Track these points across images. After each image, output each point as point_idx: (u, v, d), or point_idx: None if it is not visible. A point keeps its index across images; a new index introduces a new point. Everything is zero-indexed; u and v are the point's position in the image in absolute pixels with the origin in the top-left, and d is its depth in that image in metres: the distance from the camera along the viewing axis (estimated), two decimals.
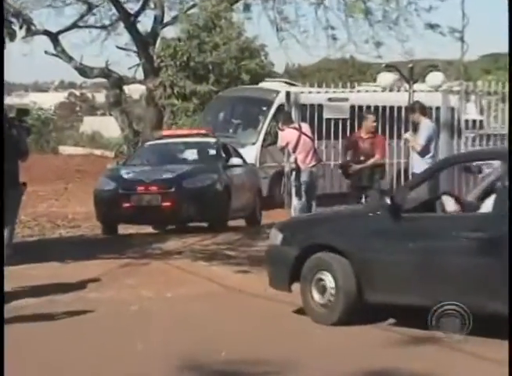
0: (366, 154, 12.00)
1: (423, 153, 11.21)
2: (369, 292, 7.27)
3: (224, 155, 14.03)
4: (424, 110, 11.75)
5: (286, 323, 7.75)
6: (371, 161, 12.00)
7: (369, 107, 15.05)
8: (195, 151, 14.25)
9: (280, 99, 17.20)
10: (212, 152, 14.12)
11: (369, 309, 7.46)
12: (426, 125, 11.46)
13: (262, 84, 20.64)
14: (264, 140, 17.48)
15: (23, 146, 11.02)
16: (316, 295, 7.47)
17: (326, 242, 7.64)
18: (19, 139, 10.76)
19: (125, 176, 13.18)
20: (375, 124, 12.46)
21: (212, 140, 14.52)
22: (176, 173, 12.93)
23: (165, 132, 16.98)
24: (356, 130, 14.52)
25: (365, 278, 7.25)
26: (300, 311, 7.86)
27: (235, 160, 13.84)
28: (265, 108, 17.62)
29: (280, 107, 16.99)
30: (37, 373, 6.21)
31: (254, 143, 17.42)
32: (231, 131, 18.31)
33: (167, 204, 12.55)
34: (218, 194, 12.87)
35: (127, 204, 12.59)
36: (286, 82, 19.85)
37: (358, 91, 16.97)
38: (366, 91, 16.87)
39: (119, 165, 14.54)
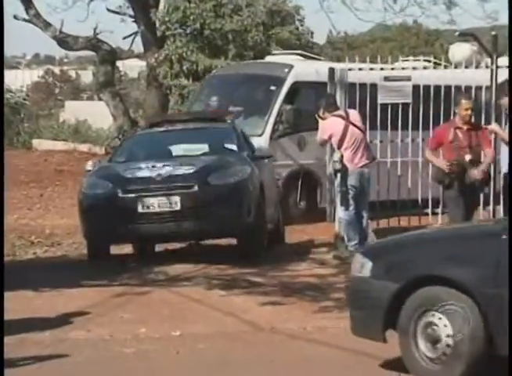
0: (475, 152, 11.84)
1: None
2: (502, 342, 6.69)
3: (246, 142, 13.73)
4: None
5: None
6: (488, 160, 12.05)
7: (438, 87, 15.00)
8: (206, 140, 13.77)
9: (294, 75, 17.04)
10: (230, 140, 13.48)
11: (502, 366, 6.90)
12: None
13: (270, 58, 20.26)
14: (273, 130, 16.89)
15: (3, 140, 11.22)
16: (424, 346, 7.03)
17: (439, 273, 7.15)
18: None
19: (124, 173, 12.35)
20: (469, 111, 12.07)
21: (227, 125, 14.06)
22: (197, 166, 12.21)
23: (159, 117, 16.93)
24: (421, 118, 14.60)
25: (498, 322, 6.74)
26: (386, 364, 7.67)
27: (263, 151, 13.75)
28: (274, 88, 17.24)
29: (294, 86, 16.98)
30: None
31: (260, 135, 16.67)
32: (230, 119, 17.52)
33: (190, 209, 11.84)
34: (256, 194, 12.34)
35: (130, 212, 11.80)
36: (301, 55, 19.40)
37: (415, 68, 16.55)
38: (413, 68, 16.38)
39: (103, 163, 13.82)
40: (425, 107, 15.23)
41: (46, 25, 26.81)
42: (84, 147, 30.80)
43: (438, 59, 15.06)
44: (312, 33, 29.51)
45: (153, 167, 12.30)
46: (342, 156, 12.59)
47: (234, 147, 13.19)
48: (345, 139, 12.68)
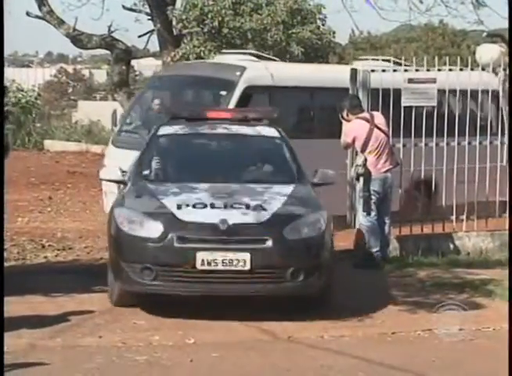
0: None
1: None
2: None
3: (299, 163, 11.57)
4: None
5: None
6: None
7: (464, 92, 14.98)
8: (258, 155, 11.81)
9: (247, 79, 15.60)
10: (286, 159, 11.52)
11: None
12: None
13: (220, 58, 18.85)
14: None
15: (5, 139, 11.19)
16: None
17: None
18: None
19: (179, 214, 9.86)
20: None
21: (275, 132, 11.88)
22: (267, 211, 9.97)
23: (186, 110, 12.76)
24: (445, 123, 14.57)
25: None
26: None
27: (326, 176, 11.39)
28: (224, 93, 15.81)
29: (247, 91, 15.50)
30: None
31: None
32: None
33: (260, 268, 9.64)
34: (331, 243, 10.38)
35: (187, 267, 9.57)
36: (254, 55, 17.89)
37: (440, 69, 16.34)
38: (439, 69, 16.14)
39: (135, 183, 10.91)
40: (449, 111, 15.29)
41: (60, 22, 26.86)
42: (97, 149, 30.84)
43: (464, 61, 14.97)
44: (334, 32, 29.46)
45: (213, 206, 9.98)
46: (366, 160, 12.58)
47: (293, 171, 11.26)
48: (369, 143, 12.67)
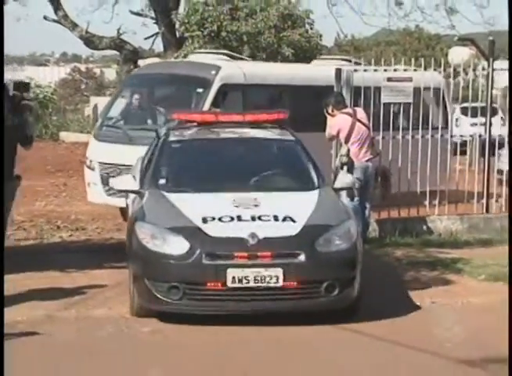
0: None
1: None
2: None
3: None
4: None
5: None
6: None
7: (437, 89, 14.99)
8: (276, 160, 10.66)
9: (222, 77, 15.21)
10: (302, 162, 10.32)
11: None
12: None
13: (195, 58, 18.53)
14: None
15: (28, 130, 11.10)
16: None
17: None
18: (22, 121, 10.90)
19: (205, 229, 8.56)
20: None
21: (288, 136, 10.76)
22: (299, 222, 8.69)
23: (190, 116, 11.35)
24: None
25: None
26: None
27: (345, 181, 10.29)
28: (201, 90, 15.23)
29: (222, 89, 15.10)
30: None
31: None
32: (155, 122, 15.44)
33: (293, 283, 8.35)
34: (359, 261, 8.87)
35: (217, 285, 8.29)
36: (227, 55, 17.56)
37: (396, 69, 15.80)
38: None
39: (151, 192, 9.56)
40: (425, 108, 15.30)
41: (74, 25, 26.87)
42: None
43: (438, 63, 14.98)
44: (321, 36, 29.43)
45: (239, 219, 8.69)
46: (349, 150, 12.55)
47: (314, 175, 10.03)
48: (352, 135, 12.61)
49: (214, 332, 8.23)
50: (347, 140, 12.62)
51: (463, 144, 16.51)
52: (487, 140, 14.85)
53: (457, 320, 8.91)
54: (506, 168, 14.91)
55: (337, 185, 9.97)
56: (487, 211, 14.66)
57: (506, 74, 15.72)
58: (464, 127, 20.56)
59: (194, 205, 9.00)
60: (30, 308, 9.04)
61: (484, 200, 14.68)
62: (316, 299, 8.43)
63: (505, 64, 15.79)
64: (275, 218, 8.69)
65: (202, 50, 21.31)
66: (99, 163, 14.73)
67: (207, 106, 14.76)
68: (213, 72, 15.22)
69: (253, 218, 8.65)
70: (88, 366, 7.25)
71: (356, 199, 12.67)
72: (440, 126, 15.08)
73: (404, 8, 26.47)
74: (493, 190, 14.84)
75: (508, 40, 7.58)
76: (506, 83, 15.48)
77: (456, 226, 14.23)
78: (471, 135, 16.10)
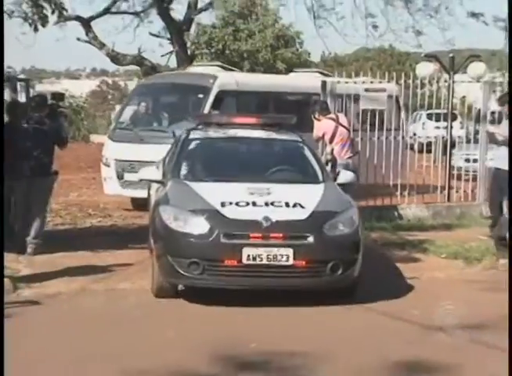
0: None
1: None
2: None
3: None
4: None
5: None
6: None
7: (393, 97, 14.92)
8: (285, 157, 10.16)
9: (219, 85, 15.12)
10: (308, 160, 9.90)
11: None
12: None
13: (193, 69, 18.36)
14: None
15: (63, 133, 11.13)
16: None
17: None
18: (58, 126, 10.98)
19: (224, 212, 8.20)
20: None
21: (295, 137, 10.31)
22: (308, 208, 8.35)
23: (210, 117, 11.31)
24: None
25: None
26: None
27: (347, 177, 9.85)
28: (201, 96, 15.09)
29: (219, 95, 15.00)
30: (69, 360, 6.33)
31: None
32: (161, 124, 15.64)
33: (302, 263, 8.01)
34: (361, 244, 8.55)
35: (233, 262, 7.92)
36: (221, 66, 17.58)
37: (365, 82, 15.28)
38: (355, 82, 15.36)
39: (174, 181, 9.21)
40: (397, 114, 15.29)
41: (102, 45, 26.79)
42: None
43: (407, 76, 14.98)
44: (309, 53, 29.67)
45: (254, 204, 8.35)
46: (332, 149, 12.53)
47: (319, 171, 9.69)
48: (335, 137, 12.59)
49: (229, 305, 8.08)
50: (331, 141, 12.61)
51: (429, 144, 16.53)
52: (448, 141, 14.90)
53: (423, 291, 8.93)
54: (458, 164, 15.04)
55: (340, 180, 9.62)
56: (448, 200, 14.72)
57: (464, 85, 15.81)
58: (429, 130, 20.58)
59: (213, 192, 8.63)
60: (67, 282, 9.06)
61: (446, 191, 14.75)
62: (322, 277, 8.06)
63: (463, 77, 15.86)
64: (287, 204, 8.36)
65: (199, 63, 21.20)
66: (115, 160, 14.73)
67: (207, 109, 14.66)
68: (211, 81, 15.15)
69: (266, 204, 8.33)
70: (113, 330, 7.28)
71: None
72: (402, 128, 15.14)
73: (379, 30, 26.63)
74: (454, 183, 14.93)
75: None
76: (465, 93, 15.50)
77: (423, 213, 14.26)
78: (435, 137, 16.15)
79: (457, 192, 14.95)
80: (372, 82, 15.01)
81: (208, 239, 7.96)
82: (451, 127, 14.91)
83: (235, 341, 6.83)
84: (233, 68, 19.03)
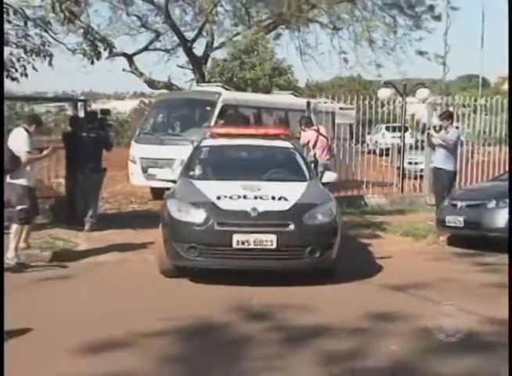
0: None
1: (450, 150, 11.36)
2: None
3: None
4: (452, 118, 11.97)
5: None
6: None
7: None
8: (277, 160, 9.40)
9: (223, 99, 14.76)
10: (297, 162, 9.13)
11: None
12: (454, 129, 11.62)
13: (202, 88, 17.69)
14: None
15: (110, 140, 11.27)
16: None
17: None
18: (106, 134, 11.04)
19: (219, 204, 7.57)
20: None
21: (289, 144, 9.56)
22: (289, 201, 7.67)
23: (219, 129, 10.37)
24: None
25: None
26: None
27: (330, 177, 9.22)
28: (209, 108, 14.65)
29: (223, 107, 14.55)
30: (113, 308, 6.27)
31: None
32: (178, 129, 15.14)
33: (285, 247, 7.32)
34: (338, 233, 7.77)
35: (225, 246, 7.28)
36: (222, 87, 17.10)
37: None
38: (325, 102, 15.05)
39: (183, 181, 8.57)
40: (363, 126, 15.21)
41: (141, 74, 26.78)
42: None
43: (371, 99, 14.91)
44: (297, 80, 29.35)
45: (245, 197, 7.70)
46: (315, 153, 12.45)
47: (306, 172, 8.93)
48: (317, 143, 12.50)
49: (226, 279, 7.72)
50: (313, 146, 12.58)
51: (387, 150, 16.50)
52: (402, 147, 14.84)
53: (383, 260, 8.88)
54: (406, 165, 14.99)
55: (324, 180, 8.95)
56: (402, 191, 14.66)
57: (413, 105, 15.75)
58: (387, 139, 20.49)
59: (212, 188, 7.99)
60: (112, 255, 9.00)
61: (399, 185, 14.70)
62: (302, 260, 7.38)
63: (413, 99, 15.82)
64: (273, 197, 7.69)
65: (204, 84, 21.07)
66: (140, 158, 14.64)
67: (214, 119, 14.27)
68: (216, 96, 14.95)
69: (255, 197, 7.66)
70: (147, 287, 7.24)
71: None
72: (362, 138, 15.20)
73: (349, 63, 26.87)
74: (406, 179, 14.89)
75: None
76: (414, 111, 15.43)
77: (382, 201, 14.23)
78: (392, 144, 16.06)
79: (408, 185, 14.90)
80: (325, 103, 14.87)
81: (204, 226, 7.34)
82: (403, 136, 14.86)
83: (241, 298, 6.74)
84: (229, 88, 18.61)
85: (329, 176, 9.18)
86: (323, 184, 8.76)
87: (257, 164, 9.34)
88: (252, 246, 7.21)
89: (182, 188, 8.32)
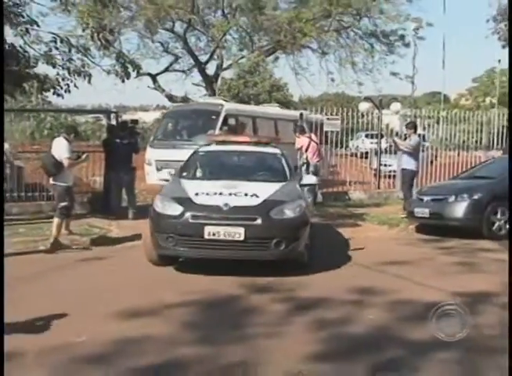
0: None
1: (412, 154, 11.36)
2: None
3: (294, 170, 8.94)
4: (416, 128, 11.88)
5: None
6: None
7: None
8: (264, 164, 8.67)
9: (225, 110, 14.32)
10: (283, 168, 8.39)
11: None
12: (416, 138, 11.53)
13: (204, 99, 17.34)
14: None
15: (137, 145, 11.32)
16: None
17: None
18: (134, 140, 11.09)
19: (195, 199, 7.06)
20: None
21: (276, 150, 8.82)
22: (259, 198, 7.07)
23: (218, 137, 10.12)
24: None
25: None
26: None
27: (309, 179, 8.62)
28: (214, 117, 14.22)
29: (225, 116, 14.05)
30: (134, 280, 6.24)
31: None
32: (187, 136, 14.51)
33: (252, 239, 6.72)
34: (306, 228, 7.14)
35: (197, 237, 6.71)
36: (222, 99, 16.61)
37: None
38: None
39: (174, 180, 8.13)
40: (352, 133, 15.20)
41: (162, 90, 26.84)
42: None
43: (353, 111, 14.92)
44: (292, 95, 29.42)
45: (221, 194, 7.11)
46: (307, 156, 12.39)
47: (287, 174, 8.22)
48: (309, 148, 12.41)
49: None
50: (306, 150, 12.51)
51: (366, 153, 16.49)
52: (378, 151, 14.83)
53: (363, 244, 8.89)
54: (374, 166, 14.96)
55: (303, 181, 8.29)
56: (378, 188, 14.64)
57: (388, 116, 15.73)
58: (366, 144, 20.45)
59: (195, 186, 7.45)
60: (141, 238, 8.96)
61: (376, 183, 14.68)
62: (268, 251, 6.72)
63: (387, 112, 15.83)
64: (246, 194, 7.10)
65: (207, 96, 20.84)
66: (155, 160, 14.33)
67: (218, 126, 13.80)
68: (220, 107, 14.59)
69: (230, 194, 7.06)
70: (167, 267, 7.19)
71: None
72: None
73: (335, 82, 26.97)
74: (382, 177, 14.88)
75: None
76: (388, 121, 15.42)
77: (362, 196, 14.20)
78: (370, 149, 16.05)
79: (383, 183, 14.88)
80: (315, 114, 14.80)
81: (180, 219, 6.77)
82: (380, 142, 14.83)
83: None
84: (228, 100, 18.43)
85: (309, 179, 8.60)
86: (305, 185, 8.22)
87: (244, 167, 8.65)
88: (222, 237, 6.65)
89: (170, 186, 7.88)
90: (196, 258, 6.89)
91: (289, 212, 6.95)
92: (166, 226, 6.87)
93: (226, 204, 6.85)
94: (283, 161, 8.51)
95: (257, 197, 7.05)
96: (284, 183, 7.78)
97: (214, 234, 6.66)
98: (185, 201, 6.96)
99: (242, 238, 6.64)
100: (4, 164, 8.84)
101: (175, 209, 6.88)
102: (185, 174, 8.21)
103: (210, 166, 8.59)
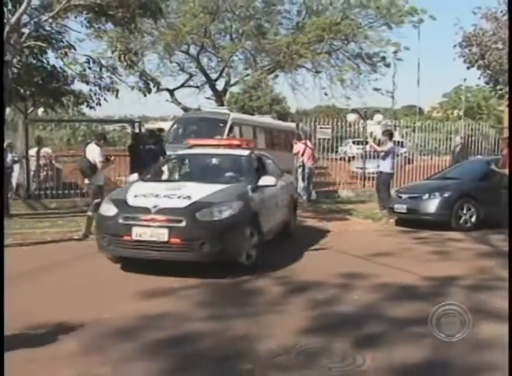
0: None
1: (387, 158, 11.29)
2: None
3: (255, 172, 7.28)
4: (391, 135, 11.80)
5: None
6: None
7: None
8: (225, 166, 7.54)
9: (231, 118, 14.04)
10: (240, 170, 7.26)
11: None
12: (390, 144, 11.47)
13: (211, 109, 16.84)
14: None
15: (164, 149, 11.29)
16: None
17: None
18: (160, 146, 11.09)
19: (129, 201, 6.26)
20: None
21: (245, 152, 7.64)
22: (190, 200, 6.09)
23: (192, 141, 8.75)
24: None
25: None
26: None
27: (267, 180, 7.02)
28: (221, 125, 13.88)
29: (232, 124, 13.80)
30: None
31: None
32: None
33: (176, 240, 5.85)
34: (239, 229, 6.14)
35: (127, 237, 5.97)
36: (227, 109, 16.20)
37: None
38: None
39: (137, 180, 7.17)
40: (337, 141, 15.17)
41: (178, 103, 26.79)
42: None
43: (342, 121, 14.94)
44: (289, 108, 29.47)
45: (156, 196, 6.22)
46: (303, 160, 12.35)
47: (243, 176, 7.08)
48: (305, 153, 12.36)
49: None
50: (302, 155, 12.48)
51: (353, 158, 16.47)
52: (364, 156, 14.79)
53: (350, 236, 8.89)
54: (354, 169, 14.82)
55: (260, 183, 6.94)
56: (363, 187, 14.62)
57: (371, 126, 15.71)
58: (354, 150, 20.44)
59: (142, 188, 6.57)
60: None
61: (362, 182, 14.65)
62: (192, 252, 5.82)
63: (371, 122, 15.85)
64: (179, 196, 6.15)
65: (214, 107, 20.35)
66: None
67: (225, 133, 13.29)
68: (227, 116, 14.42)
69: (165, 196, 6.18)
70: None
71: (306, 182, 12.58)
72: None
73: (328, 96, 27.06)
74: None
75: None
76: (372, 130, 15.41)
77: (350, 194, 14.18)
78: (357, 154, 16.04)
79: (369, 182, 14.85)
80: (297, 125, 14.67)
81: (113, 220, 6.07)
82: (365, 148, 14.80)
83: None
84: (233, 110, 18.18)
85: (266, 180, 7.03)
86: (262, 186, 6.93)
87: (204, 169, 7.64)
88: (148, 238, 5.86)
89: (122, 188, 7.21)
90: (127, 257, 6.16)
91: (217, 214, 5.96)
92: (102, 227, 6.29)
93: (155, 206, 6.00)
94: (247, 163, 7.32)
95: (189, 198, 6.10)
96: (232, 185, 6.68)
97: (140, 235, 5.91)
98: (121, 203, 6.22)
99: (166, 239, 5.83)
100: (23, 164, 8.64)
101: (111, 210, 6.20)
102: (148, 176, 7.28)
103: (173, 169, 7.77)
